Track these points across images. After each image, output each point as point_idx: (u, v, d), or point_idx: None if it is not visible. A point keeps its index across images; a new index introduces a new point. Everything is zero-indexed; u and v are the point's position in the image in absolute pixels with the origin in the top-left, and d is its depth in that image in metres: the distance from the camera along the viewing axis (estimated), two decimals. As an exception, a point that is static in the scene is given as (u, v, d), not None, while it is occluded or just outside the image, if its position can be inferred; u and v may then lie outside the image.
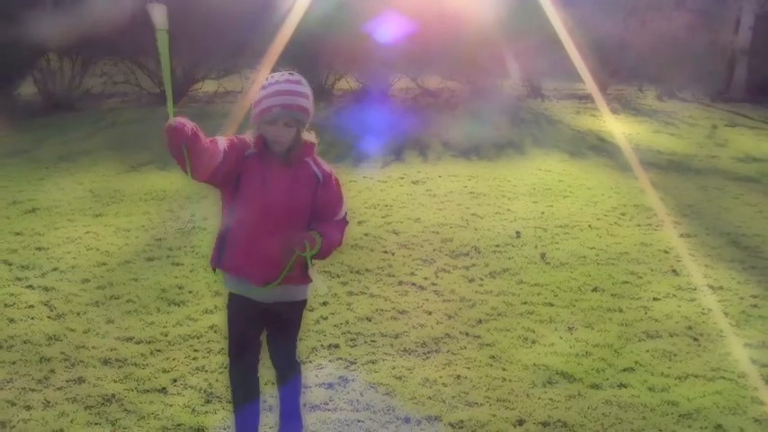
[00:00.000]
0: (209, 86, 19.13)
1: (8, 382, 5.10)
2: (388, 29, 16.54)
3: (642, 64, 19.67)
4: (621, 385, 5.26)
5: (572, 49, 18.23)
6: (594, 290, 6.94)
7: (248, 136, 4.03)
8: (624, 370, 5.48)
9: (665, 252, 7.98)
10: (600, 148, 13.58)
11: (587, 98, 19.38)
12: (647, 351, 5.78)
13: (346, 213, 4.21)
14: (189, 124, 3.60)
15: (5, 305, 6.28)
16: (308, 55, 16.63)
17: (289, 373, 4.36)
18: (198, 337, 5.78)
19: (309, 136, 4.06)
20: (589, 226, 8.79)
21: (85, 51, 17.02)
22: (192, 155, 3.64)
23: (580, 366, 5.51)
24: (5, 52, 14.22)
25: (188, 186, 9.32)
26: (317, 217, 4.06)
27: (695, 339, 6.00)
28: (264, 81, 3.97)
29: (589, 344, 5.86)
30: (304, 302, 4.28)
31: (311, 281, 4.10)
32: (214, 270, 4.16)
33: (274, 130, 3.92)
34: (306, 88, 3.97)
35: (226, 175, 3.91)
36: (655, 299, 6.75)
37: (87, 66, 17.50)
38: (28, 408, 4.79)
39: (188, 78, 18.29)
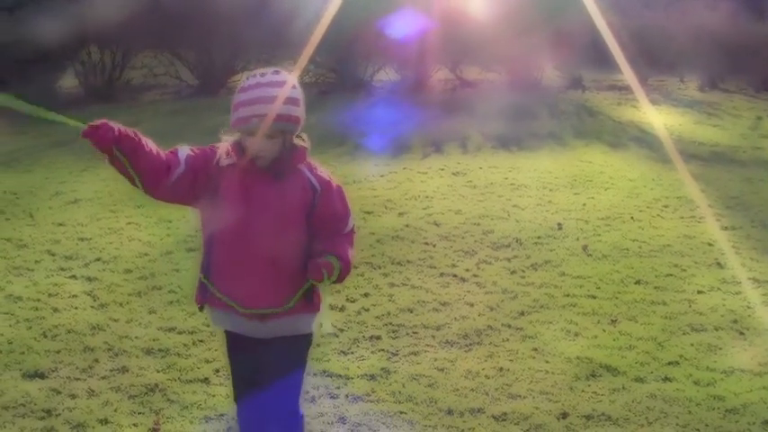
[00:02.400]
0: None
1: (53, 371, 5.14)
2: (426, 19, 16.50)
3: (683, 54, 19.43)
4: (666, 379, 5.20)
5: (612, 39, 18.06)
6: (637, 282, 6.87)
7: (224, 145, 3.49)
8: (669, 363, 5.42)
9: (709, 245, 7.87)
10: (641, 139, 13.44)
11: (628, 89, 19.17)
12: (692, 345, 5.71)
13: (354, 224, 3.68)
14: (115, 125, 3.16)
15: (49, 295, 6.34)
16: (346, 45, 16.62)
17: (287, 427, 3.60)
18: (240, 328, 5.79)
19: (299, 141, 3.51)
20: (631, 218, 8.70)
21: (126, 44, 17.12)
22: (132, 159, 3.20)
23: (624, 359, 5.45)
24: (47, 45, 14.33)
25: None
26: (321, 232, 3.52)
27: (741, 333, 5.92)
28: (244, 80, 3.42)
29: (633, 337, 5.81)
30: (309, 337, 3.68)
31: (318, 310, 3.59)
32: (201, 309, 3.65)
33: (254, 143, 3.37)
34: (293, 90, 3.40)
35: (194, 189, 3.38)
36: (699, 292, 6.67)
37: (128, 58, 17.62)
38: (73, 396, 4.83)
39: (227, 69, 18.34)
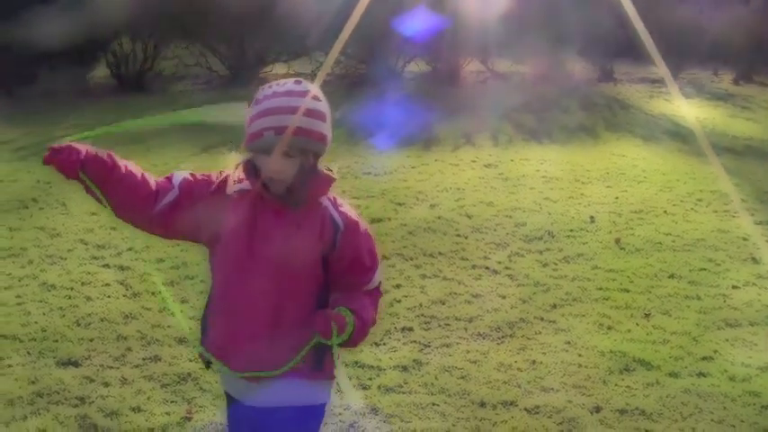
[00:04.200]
0: (279, 69, 19.20)
1: (86, 358, 5.17)
2: (456, 11, 16.44)
3: (717, 46, 19.24)
4: (701, 374, 5.16)
5: (644, 31, 17.91)
6: (671, 276, 6.81)
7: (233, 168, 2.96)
8: (703, 359, 5.37)
9: (744, 239, 7.79)
10: (674, 132, 13.32)
11: (660, 82, 19.03)
12: (727, 340, 5.65)
13: (381, 282, 3.00)
14: (84, 147, 2.79)
15: (82, 283, 6.37)
16: (378, 36, 16.59)
17: None
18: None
19: (324, 169, 2.88)
20: (664, 212, 8.63)
21: (158, 34, 17.18)
22: (102, 185, 2.80)
23: (658, 354, 5.41)
24: (79, 36, 14.40)
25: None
26: (339, 284, 2.90)
27: (777, 329, 5.86)
28: (259, 92, 2.83)
29: (666, 331, 5.76)
30: (319, 410, 2.96)
31: (330, 378, 2.95)
32: (207, 365, 3.09)
33: (269, 163, 2.77)
34: (317, 103, 2.80)
35: (191, 220, 2.88)
36: (734, 287, 6.60)
37: (159, 49, 17.67)
38: (106, 384, 4.85)
39: (258, 60, 18.37)
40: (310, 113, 2.77)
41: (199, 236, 2.97)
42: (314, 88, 2.83)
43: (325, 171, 2.87)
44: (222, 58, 18.15)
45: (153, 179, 2.90)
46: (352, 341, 2.82)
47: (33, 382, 4.83)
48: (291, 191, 2.81)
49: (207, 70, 18.30)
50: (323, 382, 2.92)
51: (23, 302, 5.96)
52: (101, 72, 17.56)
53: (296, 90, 2.79)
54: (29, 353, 5.20)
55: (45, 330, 5.52)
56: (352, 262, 2.88)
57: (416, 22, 15.87)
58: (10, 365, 5.03)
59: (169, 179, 2.91)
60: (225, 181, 2.91)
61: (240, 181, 2.87)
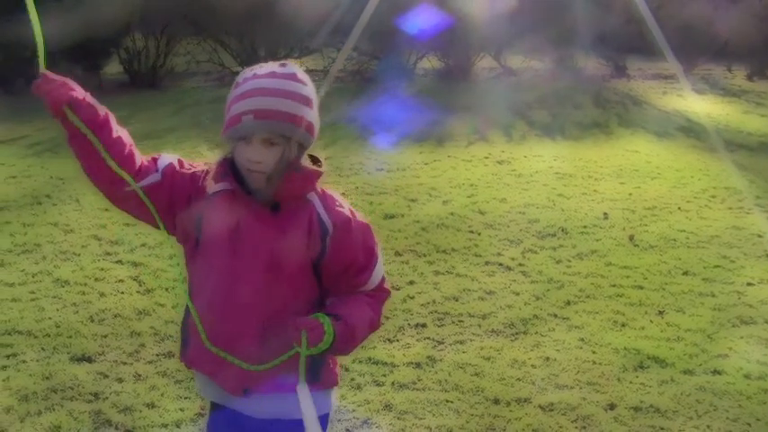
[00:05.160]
0: (291, 65, 19.20)
1: (100, 354, 5.18)
2: (467, 7, 16.41)
3: (731, 43, 19.15)
4: (716, 372, 5.13)
5: (657, 27, 17.86)
6: (685, 273, 6.78)
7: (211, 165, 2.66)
8: (718, 356, 5.35)
9: (759, 236, 7.76)
10: (688, 128, 13.28)
11: (673, 78, 18.97)
12: (742, 337, 5.63)
13: (384, 279, 2.72)
14: (81, 90, 2.54)
15: (96, 279, 6.37)
16: (389, 32, 16.57)
17: None
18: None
19: (308, 161, 2.61)
20: (678, 208, 8.60)
21: (170, 30, 17.20)
22: (91, 128, 2.52)
23: (672, 351, 5.39)
24: (91, 32, 14.42)
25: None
26: (335, 287, 2.65)
27: (792, 326, 5.83)
28: (240, 75, 2.59)
29: (681, 328, 5.73)
30: (322, 421, 2.66)
31: (332, 386, 2.74)
32: (189, 367, 2.80)
33: (247, 152, 2.49)
34: (303, 87, 2.53)
35: (167, 209, 2.63)
36: (749, 284, 6.57)
37: (171, 45, 17.69)
38: (120, 380, 4.85)
39: (270, 56, 18.36)
40: (294, 96, 2.49)
41: (171, 230, 2.70)
42: (300, 71, 2.56)
43: (309, 164, 2.59)
44: (234, 54, 18.16)
45: (139, 155, 2.64)
46: (336, 349, 2.54)
47: (47, 378, 4.84)
48: (272, 187, 2.52)
49: (219, 66, 18.32)
50: (321, 392, 2.65)
51: (37, 298, 5.96)
52: (113, 68, 17.59)
53: (279, 72, 2.52)
54: (43, 348, 5.21)
55: (59, 326, 5.53)
56: (346, 265, 2.60)
57: (427, 18, 15.86)
58: (24, 361, 5.04)
59: (155, 160, 2.66)
60: (207, 177, 2.64)
61: (217, 179, 2.59)
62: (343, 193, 8.73)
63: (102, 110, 2.56)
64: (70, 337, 5.39)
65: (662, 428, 4.52)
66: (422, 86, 16.80)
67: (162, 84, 17.03)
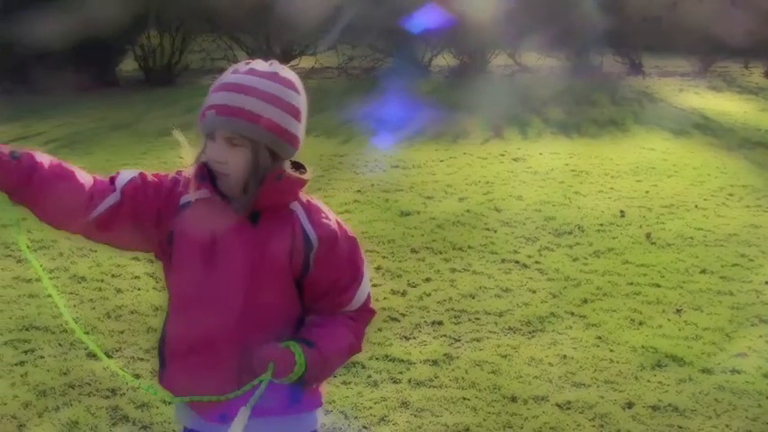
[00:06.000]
0: (306, 62, 19.19)
1: (117, 350, 5.19)
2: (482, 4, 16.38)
3: (748, 40, 19.05)
4: (734, 371, 5.10)
5: (674, 25, 17.78)
6: (703, 272, 6.75)
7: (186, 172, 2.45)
8: (737, 355, 5.31)
9: (777, 234, 7.72)
10: (704, 126, 13.22)
11: (690, 75, 18.90)
12: (761, 336, 5.59)
13: (369, 298, 2.50)
14: None
15: (112, 276, 6.39)
16: (403, 29, 16.56)
17: None
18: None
19: (291, 169, 2.40)
20: (695, 206, 8.56)
21: (185, 28, 17.23)
22: (20, 195, 2.31)
23: (690, 350, 5.35)
24: (107, 29, 14.46)
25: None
26: (317, 305, 2.44)
27: (811, 325, 5.79)
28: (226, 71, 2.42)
29: (699, 327, 5.70)
30: None
31: (316, 407, 2.52)
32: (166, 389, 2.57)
33: (211, 150, 2.32)
34: (282, 89, 2.33)
35: (136, 229, 2.41)
36: (767, 282, 6.53)
37: (187, 42, 17.72)
38: (137, 376, 4.85)
39: (284, 54, 18.37)
40: (263, 96, 2.29)
41: (148, 248, 2.53)
42: (285, 72, 2.37)
43: (291, 172, 2.38)
44: (249, 51, 18.17)
45: (90, 178, 2.40)
46: (308, 379, 2.34)
47: (65, 374, 4.85)
48: (249, 195, 2.32)
49: (233, 63, 18.33)
50: (302, 415, 2.49)
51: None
52: (128, 65, 17.64)
53: (259, 69, 2.34)
54: (60, 344, 5.22)
55: (76, 322, 5.52)
56: (330, 283, 2.41)
57: (440, 15, 15.84)
58: (42, 356, 5.06)
59: (112, 180, 2.41)
60: (179, 184, 2.44)
61: (194, 188, 2.38)
62: (359, 191, 8.79)
63: (23, 157, 2.32)
64: (87, 333, 5.39)
65: (680, 427, 4.50)
66: (437, 84, 16.79)
67: (177, 81, 17.07)
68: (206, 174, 2.34)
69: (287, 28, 17.50)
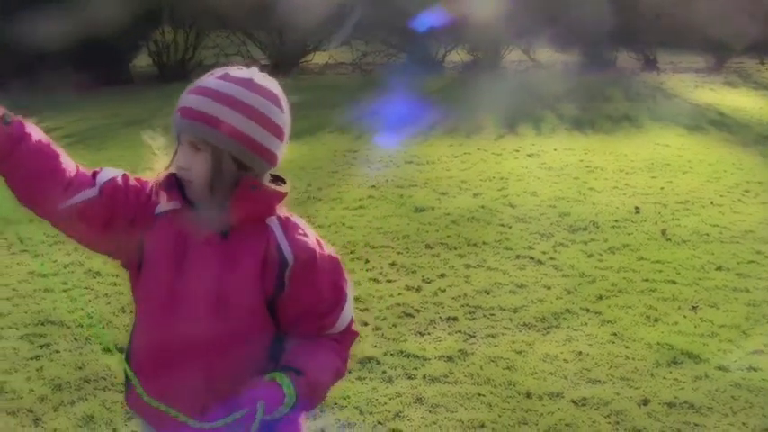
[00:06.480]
0: (319, 58, 19.21)
1: (132, 345, 5.19)
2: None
3: (763, 36, 18.96)
4: (751, 368, 5.06)
5: (689, 21, 17.70)
6: (719, 268, 6.71)
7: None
8: (753, 352, 5.27)
9: (794, 231, 7.68)
10: (720, 122, 13.16)
11: (705, 71, 18.83)
12: (778, 333, 5.57)
13: (353, 321, 2.39)
14: None
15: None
16: (417, 25, 16.55)
17: None
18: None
19: (270, 183, 2.30)
20: (711, 203, 8.52)
21: (199, 23, 17.27)
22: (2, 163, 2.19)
23: (706, 347, 5.33)
24: (121, 25, 14.50)
25: (302, 157, 9.31)
26: (294, 329, 2.31)
27: (829, 323, 5.76)
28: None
29: (715, 324, 5.67)
30: None
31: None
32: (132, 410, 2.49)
33: (177, 155, 2.24)
34: (253, 96, 2.21)
35: (106, 229, 2.26)
36: (784, 279, 6.50)
37: (200, 38, 17.76)
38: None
39: (299, 49, 18.39)
40: (226, 100, 2.18)
41: (111, 251, 2.41)
42: (267, 83, 2.27)
43: (268, 185, 2.27)
44: (262, 47, 18.19)
45: (73, 166, 2.31)
46: (301, 408, 2.24)
47: (80, 368, 4.86)
48: (218, 207, 2.22)
49: (247, 59, 18.36)
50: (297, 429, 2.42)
51: (69, 289, 6.00)
52: (142, 61, 17.69)
53: (232, 75, 2.24)
54: (75, 339, 5.24)
55: (91, 317, 5.56)
56: (309, 306, 2.28)
57: (453, 11, 15.82)
58: (57, 351, 5.07)
59: (94, 175, 2.31)
60: (157, 194, 2.32)
61: (166, 198, 2.28)
62: (373, 186, 8.78)
63: (14, 122, 2.22)
64: (102, 327, 5.41)
65: (696, 425, 4.47)
66: (450, 79, 16.76)
67: (191, 76, 16.76)
68: (174, 183, 2.24)
69: (300, 23, 17.52)
